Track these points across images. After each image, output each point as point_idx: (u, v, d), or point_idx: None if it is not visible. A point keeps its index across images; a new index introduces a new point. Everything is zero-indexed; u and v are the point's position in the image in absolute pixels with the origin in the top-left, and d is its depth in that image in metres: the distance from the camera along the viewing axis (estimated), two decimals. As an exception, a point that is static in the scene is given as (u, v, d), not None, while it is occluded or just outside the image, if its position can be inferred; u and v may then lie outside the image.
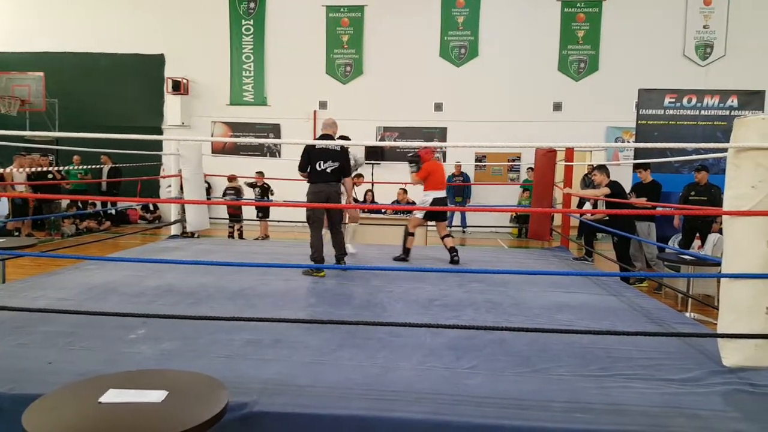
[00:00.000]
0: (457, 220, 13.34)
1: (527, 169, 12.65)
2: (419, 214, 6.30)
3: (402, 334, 3.49)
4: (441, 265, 6.11)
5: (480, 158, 13.86)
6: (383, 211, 8.88)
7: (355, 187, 6.83)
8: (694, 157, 7.30)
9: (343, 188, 5.78)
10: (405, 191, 10.46)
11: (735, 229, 2.91)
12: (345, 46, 14.05)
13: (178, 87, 14.19)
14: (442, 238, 6.32)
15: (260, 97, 14.38)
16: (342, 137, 6.72)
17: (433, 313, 4.11)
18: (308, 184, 5.49)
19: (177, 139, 7.73)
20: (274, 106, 14.31)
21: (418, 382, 2.76)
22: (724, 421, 2.42)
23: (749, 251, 2.85)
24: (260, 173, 10.59)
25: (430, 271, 5.79)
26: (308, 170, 5.44)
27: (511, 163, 13.80)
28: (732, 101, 8.84)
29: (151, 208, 14.30)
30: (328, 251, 5.58)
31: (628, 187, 7.96)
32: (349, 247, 6.49)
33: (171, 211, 8.51)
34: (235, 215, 10.58)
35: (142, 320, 3.52)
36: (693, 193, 7.46)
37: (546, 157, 7.73)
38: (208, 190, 12.26)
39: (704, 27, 13.06)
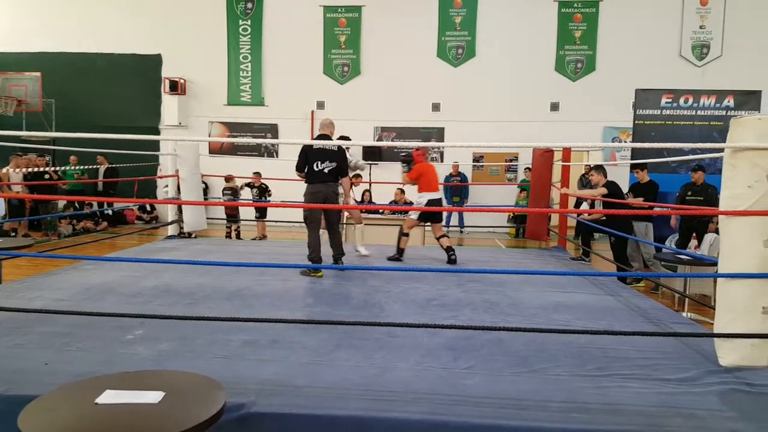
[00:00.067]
0: (454, 220, 13.35)
1: (525, 169, 12.67)
2: (414, 215, 6.32)
3: (399, 334, 3.49)
4: (438, 265, 6.11)
5: (477, 158, 13.87)
6: (381, 211, 8.88)
7: (353, 187, 6.83)
8: (690, 157, 7.32)
9: (341, 188, 5.78)
10: (402, 191, 10.47)
11: (731, 229, 2.92)
12: (342, 47, 14.04)
13: (175, 87, 14.17)
14: (438, 238, 6.33)
15: (257, 98, 14.37)
16: (342, 137, 6.73)
17: (431, 313, 4.11)
18: (306, 185, 5.49)
19: (174, 139, 7.71)
20: (271, 107, 14.30)
21: (416, 383, 2.76)
22: (721, 421, 2.43)
23: (746, 251, 2.86)
24: (257, 173, 10.58)
25: (427, 270, 5.79)
26: (306, 170, 5.44)
27: (508, 164, 13.81)
28: (728, 101, 8.86)
29: (148, 208, 14.27)
30: (326, 251, 5.57)
31: (625, 187, 7.98)
32: (362, 250, 6.48)
33: (168, 212, 8.50)
34: (232, 215, 10.57)
35: (140, 321, 3.51)
36: (690, 193, 7.47)
37: (543, 157, 7.74)
38: (206, 190, 12.25)
39: (701, 27, 13.09)
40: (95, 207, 12.39)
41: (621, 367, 3.03)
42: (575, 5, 13.44)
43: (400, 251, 6.28)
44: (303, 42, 13.98)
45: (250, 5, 14.21)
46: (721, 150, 3.02)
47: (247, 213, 11.81)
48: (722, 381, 2.84)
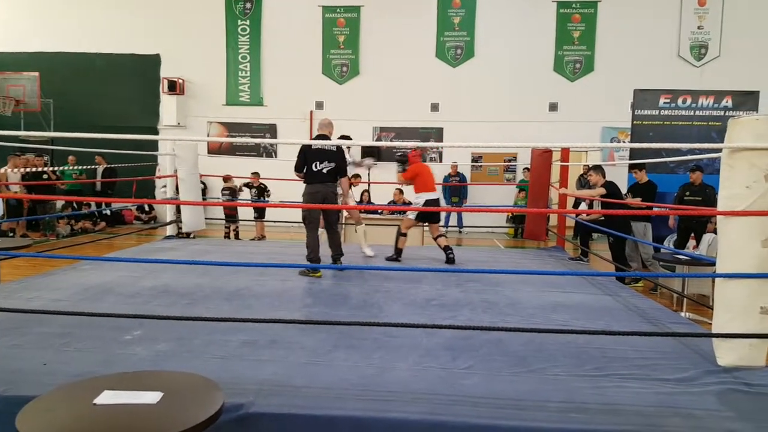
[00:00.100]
0: (453, 220, 13.36)
1: (523, 169, 12.68)
2: (412, 215, 6.32)
3: (398, 334, 3.49)
4: (437, 265, 6.11)
5: (476, 158, 13.88)
6: (380, 211, 8.88)
7: (352, 187, 6.83)
8: (689, 157, 7.32)
9: (339, 189, 5.78)
10: (401, 191, 10.47)
11: (729, 229, 2.92)
12: (341, 47, 14.04)
13: (173, 87, 14.17)
14: (435, 238, 6.34)
15: (256, 98, 14.37)
16: (343, 137, 6.72)
17: (430, 314, 4.11)
18: (304, 185, 5.48)
19: (173, 139, 7.70)
20: (270, 107, 14.29)
21: (415, 383, 2.76)
22: (719, 421, 2.43)
23: (744, 251, 2.86)
24: (256, 174, 10.57)
25: (426, 271, 5.79)
26: (304, 171, 5.43)
27: (507, 164, 13.82)
28: (726, 102, 8.88)
29: (147, 208, 14.26)
30: (325, 251, 5.57)
31: (623, 187, 7.98)
32: (367, 251, 6.47)
33: (166, 212, 8.49)
34: (231, 216, 10.57)
35: (138, 321, 3.51)
36: (688, 193, 7.48)
37: (542, 157, 7.74)
38: (204, 190, 12.25)
39: (699, 28, 13.10)
40: (93, 207, 12.37)
41: (619, 367, 3.03)
42: (574, 6, 13.46)
43: (399, 251, 6.28)
44: (302, 42, 13.98)
45: (248, 5, 14.21)
46: (719, 150, 3.03)
47: (245, 213, 11.81)
48: (720, 381, 2.84)
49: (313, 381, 2.75)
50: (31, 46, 14.43)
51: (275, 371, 2.86)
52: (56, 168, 12.26)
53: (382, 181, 10.01)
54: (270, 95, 14.32)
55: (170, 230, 8.16)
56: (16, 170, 9.23)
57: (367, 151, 13.23)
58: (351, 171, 6.95)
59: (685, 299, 5.97)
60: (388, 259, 6.28)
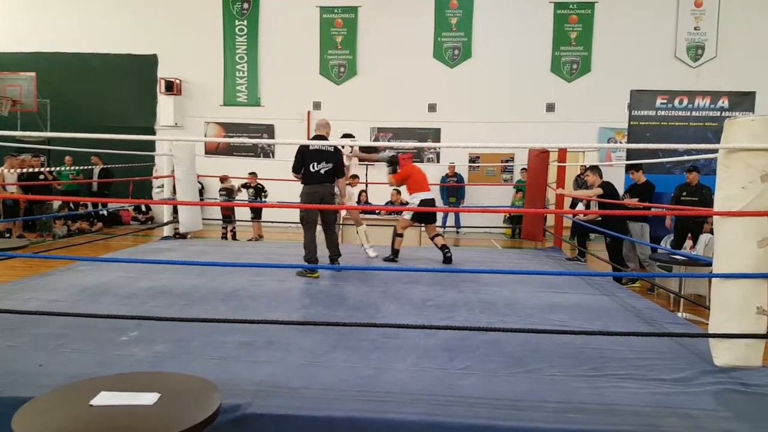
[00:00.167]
0: (450, 220, 13.37)
1: (521, 169, 12.69)
2: (407, 216, 6.32)
3: (396, 335, 3.49)
4: (434, 265, 6.12)
5: (473, 159, 13.88)
6: (377, 211, 8.88)
7: (351, 187, 6.84)
8: (685, 158, 7.35)
9: (337, 189, 5.78)
10: (398, 192, 10.47)
11: (726, 230, 2.93)
12: (339, 47, 14.04)
13: (171, 87, 14.14)
14: (432, 238, 6.35)
15: (254, 98, 14.35)
16: (346, 135, 6.72)
17: (427, 314, 4.11)
18: (302, 185, 5.48)
19: (170, 139, 7.70)
20: (267, 107, 14.28)
21: (412, 383, 2.76)
22: (716, 421, 2.44)
23: (740, 251, 2.87)
24: (253, 174, 10.56)
25: (423, 271, 5.79)
26: (302, 171, 5.43)
27: (504, 164, 13.83)
28: (723, 102, 8.90)
29: (144, 209, 14.23)
30: (322, 252, 5.57)
31: (620, 188, 8.00)
32: (370, 252, 6.47)
33: (164, 212, 8.47)
34: (227, 216, 10.55)
35: (135, 322, 3.51)
36: (684, 193, 7.50)
37: (539, 157, 7.75)
38: (201, 190, 12.24)
39: (695, 29, 13.14)
40: (90, 208, 12.34)
41: (616, 367, 3.04)
42: (571, 6, 13.48)
43: (395, 252, 6.29)
44: (299, 42, 13.97)
45: (246, 6, 14.19)
46: (716, 151, 3.03)
47: (242, 213, 11.78)
48: (717, 381, 2.85)
49: (310, 382, 2.75)
50: (28, 46, 14.40)
51: (273, 372, 2.85)
52: (53, 168, 12.22)
53: (380, 182, 10.01)
54: (267, 96, 14.31)
55: (167, 231, 8.15)
56: (12, 170, 9.20)
57: (365, 152, 13.20)
58: (352, 169, 6.90)
59: (681, 299, 5.98)
60: (386, 259, 6.28)
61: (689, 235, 7.35)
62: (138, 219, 14.07)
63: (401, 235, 6.31)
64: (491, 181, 13.86)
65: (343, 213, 7.53)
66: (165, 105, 14.33)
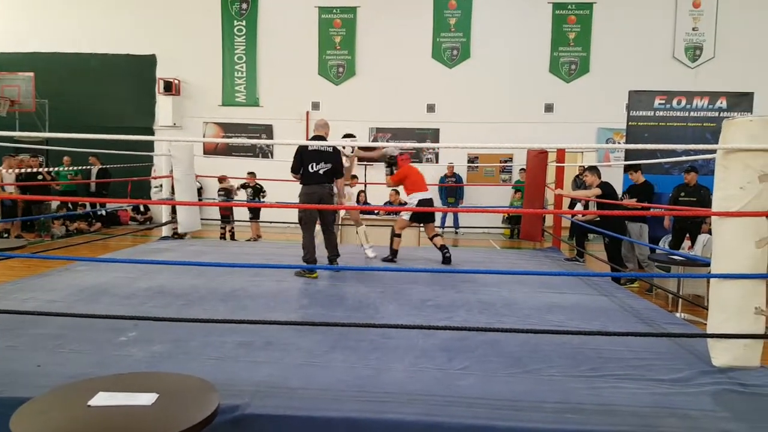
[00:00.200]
0: (449, 221, 13.37)
1: (519, 170, 12.69)
2: (405, 216, 6.32)
3: (394, 335, 3.49)
4: (433, 265, 6.12)
5: (472, 159, 13.89)
6: (376, 212, 8.88)
7: (350, 187, 6.84)
8: (683, 158, 7.35)
9: (335, 189, 5.78)
10: (397, 192, 10.47)
11: (724, 230, 2.93)
12: (337, 47, 14.04)
13: (169, 87, 14.13)
14: (431, 238, 6.35)
15: (252, 98, 14.35)
16: (347, 136, 6.73)
17: (426, 314, 4.11)
18: (301, 186, 5.48)
19: (168, 139, 7.68)
20: (266, 107, 14.28)
21: (411, 384, 2.76)
22: (714, 421, 2.44)
23: (738, 252, 2.87)
24: (252, 174, 10.56)
25: (422, 271, 5.79)
26: (301, 172, 5.43)
27: (503, 164, 13.83)
28: (721, 103, 8.91)
29: (142, 209, 14.22)
30: (321, 252, 5.57)
31: (618, 188, 8.00)
32: (369, 252, 6.47)
33: (162, 213, 8.47)
34: (226, 216, 10.55)
35: (133, 322, 3.50)
36: (683, 194, 7.51)
37: (537, 158, 7.76)
38: (200, 191, 12.23)
39: (693, 29, 13.15)
40: (88, 208, 12.33)
41: (615, 367, 3.04)
42: (569, 7, 13.49)
43: (394, 252, 6.29)
44: (298, 43, 13.97)
45: (245, 6, 14.19)
46: (714, 151, 3.04)
47: (241, 213, 11.78)
48: (715, 381, 2.85)
49: (309, 382, 2.75)
50: (27, 46, 14.38)
51: (271, 372, 2.85)
52: (51, 168, 12.21)
53: (378, 182, 10.01)
54: (266, 96, 14.31)
55: (166, 231, 8.15)
56: (10, 171, 9.19)
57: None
58: (352, 170, 6.90)
59: (680, 300, 5.98)
60: (384, 260, 6.28)
61: (687, 235, 7.36)
62: (136, 219, 14.06)
63: (399, 236, 6.31)
64: (490, 181, 13.87)
65: (342, 213, 7.53)
66: (163, 105, 14.32)
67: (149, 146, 10.88)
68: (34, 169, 10.04)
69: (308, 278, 5.22)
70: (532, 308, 4.33)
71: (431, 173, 12.07)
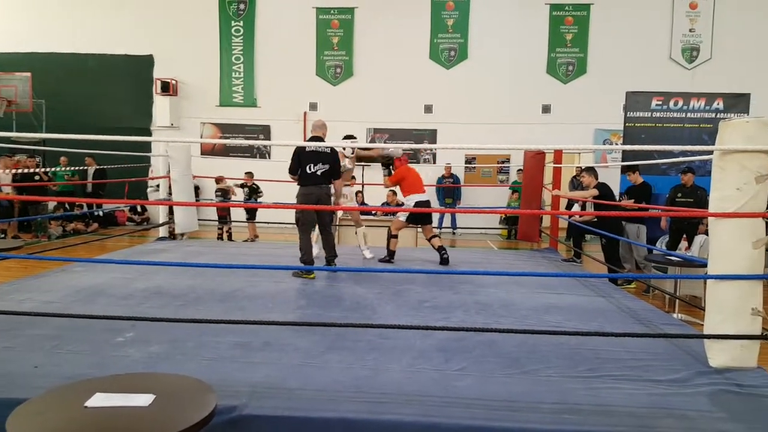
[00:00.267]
0: (447, 221, 13.37)
1: (517, 170, 12.71)
2: (402, 217, 6.32)
3: (392, 336, 3.49)
4: (431, 266, 6.12)
5: (470, 160, 13.91)
6: (374, 212, 8.89)
7: (350, 187, 6.84)
8: (680, 159, 7.36)
9: (333, 190, 5.78)
10: (394, 193, 10.47)
11: (720, 231, 2.94)
12: (335, 48, 14.04)
13: (167, 88, 14.12)
14: (429, 239, 6.35)
15: (250, 99, 14.34)
16: (348, 136, 6.73)
17: (423, 315, 4.11)
18: (298, 187, 5.48)
19: (166, 140, 7.68)
20: (264, 108, 14.27)
21: (408, 384, 2.76)
22: (711, 422, 2.44)
23: (735, 253, 2.88)
24: (249, 174, 10.56)
25: (420, 272, 5.79)
26: (298, 173, 5.43)
27: (500, 165, 13.85)
28: (718, 104, 8.92)
29: (139, 209, 14.20)
30: (319, 253, 5.57)
31: (615, 189, 8.01)
32: (366, 253, 6.48)
33: (159, 213, 8.46)
34: (223, 217, 10.54)
35: (130, 323, 3.50)
36: (679, 194, 7.52)
37: (535, 159, 7.76)
38: (197, 191, 12.20)
39: (690, 30, 13.19)
40: (85, 208, 12.30)
41: (612, 368, 3.05)
42: (566, 8, 13.51)
43: (391, 253, 6.28)
44: (296, 43, 13.96)
45: (242, 6, 14.18)
46: (711, 152, 3.04)
47: (238, 214, 11.78)
48: (712, 382, 2.86)
49: (306, 383, 2.74)
50: (24, 46, 14.34)
51: (268, 373, 2.85)
52: (48, 169, 12.18)
53: (376, 183, 10.01)
54: (264, 96, 14.30)
55: (163, 231, 8.14)
56: (7, 171, 9.17)
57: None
58: (350, 170, 6.90)
59: (677, 300, 6.00)
60: (381, 260, 6.28)
61: (684, 236, 7.37)
62: (134, 220, 14.03)
63: (396, 236, 6.31)
64: (487, 182, 13.89)
65: (340, 214, 7.53)
66: (161, 106, 14.30)
67: (146, 147, 10.86)
68: (31, 170, 10.02)
69: (306, 279, 5.22)
70: (529, 309, 4.33)
71: (429, 174, 12.08)
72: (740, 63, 12.74)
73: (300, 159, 5.38)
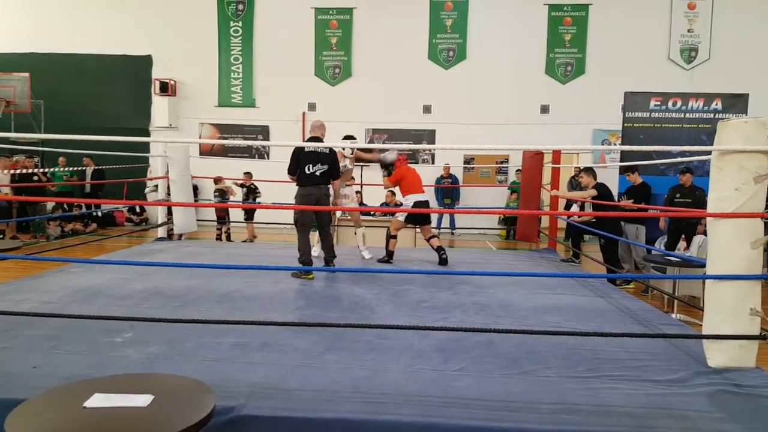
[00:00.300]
0: (446, 222, 13.38)
1: (515, 171, 12.72)
2: (401, 217, 6.32)
3: (390, 336, 3.49)
4: (429, 266, 6.12)
5: (468, 160, 13.91)
6: (372, 213, 8.89)
7: (348, 188, 6.85)
8: (679, 159, 7.37)
9: (331, 190, 5.78)
10: (393, 193, 10.47)
11: (719, 231, 2.94)
12: (334, 48, 14.04)
13: (165, 88, 14.10)
14: (428, 239, 6.35)
15: (249, 99, 14.33)
16: (348, 137, 6.73)
17: (422, 315, 4.11)
18: (297, 187, 5.47)
19: (164, 140, 7.68)
20: (262, 108, 14.26)
21: (407, 385, 2.76)
22: (710, 422, 2.44)
23: (733, 253, 2.88)
24: (248, 174, 10.55)
25: (418, 272, 5.79)
26: (297, 173, 5.43)
27: (499, 165, 13.86)
28: (716, 104, 8.94)
29: (138, 210, 14.19)
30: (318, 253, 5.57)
31: (614, 189, 8.02)
32: (365, 254, 6.48)
33: (158, 214, 8.45)
34: (222, 217, 10.53)
35: (129, 323, 3.49)
36: (678, 195, 7.53)
37: (533, 159, 7.77)
38: (196, 191, 12.19)
39: (689, 31, 13.20)
40: (84, 209, 12.29)
41: (611, 368, 3.05)
42: (565, 9, 13.52)
43: (390, 253, 6.28)
44: (294, 43, 13.96)
45: (241, 7, 14.18)
46: (709, 153, 3.05)
47: (236, 214, 11.77)
48: (711, 382, 2.86)
49: (305, 383, 2.74)
50: (22, 46, 14.32)
51: (267, 374, 2.85)
52: (46, 169, 12.16)
53: (375, 183, 10.01)
54: (262, 97, 14.29)
55: (161, 232, 8.13)
56: (5, 172, 9.16)
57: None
58: (350, 170, 6.89)
59: (675, 301, 6.00)
60: (380, 261, 6.28)
61: (683, 236, 7.38)
62: (132, 220, 14.02)
63: (395, 237, 6.31)
64: (486, 182, 13.89)
65: (339, 214, 7.53)
66: (159, 106, 14.29)
67: (145, 147, 10.86)
68: (29, 170, 10.01)
69: (304, 279, 5.22)
70: (528, 309, 4.33)
71: (427, 174, 12.06)
72: (738, 63, 12.75)
73: (299, 159, 5.38)
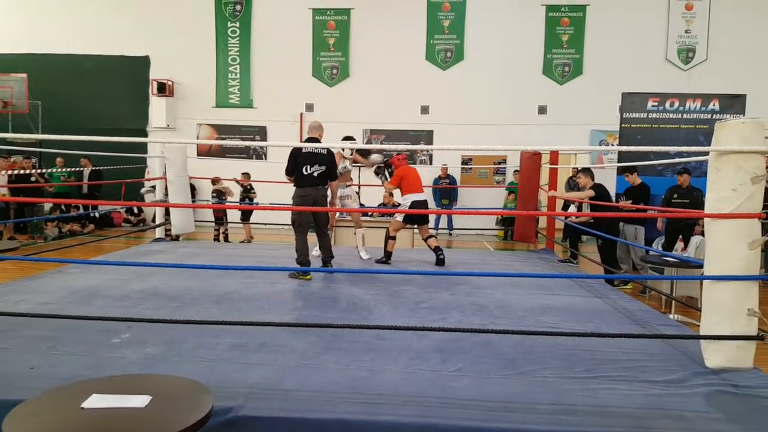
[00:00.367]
0: (443, 222, 13.38)
1: (513, 171, 12.73)
2: (399, 218, 6.32)
3: (388, 337, 3.49)
4: (427, 267, 6.12)
5: (466, 161, 13.92)
6: (370, 213, 8.88)
7: (350, 188, 6.85)
8: (676, 160, 7.38)
9: (329, 191, 5.77)
10: (391, 194, 10.46)
11: (716, 232, 2.95)
12: (331, 49, 14.03)
13: (163, 89, 14.08)
14: (425, 239, 6.35)
15: (246, 100, 14.32)
16: (347, 138, 6.73)
17: (420, 316, 4.12)
18: (295, 188, 5.47)
19: (162, 141, 7.68)
20: (260, 109, 14.25)
21: (405, 385, 2.76)
22: (707, 422, 2.45)
23: (731, 253, 2.89)
24: (246, 174, 10.54)
25: (416, 273, 5.79)
26: (295, 174, 5.42)
27: (497, 166, 13.87)
28: (714, 105, 8.95)
29: (136, 211, 14.16)
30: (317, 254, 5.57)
31: (612, 190, 8.02)
32: (363, 254, 6.48)
33: (156, 214, 8.44)
34: (219, 218, 10.53)
35: (127, 324, 3.49)
36: (675, 195, 7.53)
37: (531, 160, 7.78)
38: (194, 192, 12.18)
39: (686, 32, 13.23)
40: (81, 210, 12.27)
41: (608, 369, 3.05)
42: (562, 9, 13.54)
43: (388, 254, 6.28)
44: (292, 44, 13.95)
45: (238, 7, 14.17)
46: (707, 153, 3.05)
47: (233, 215, 11.77)
48: (708, 383, 2.87)
49: (302, 384, 2.74)
50: (20, 47, 14.29)
51: (265, 374, 2.85)
52: (44, 170, 12.14)
53: (373, 184, 10.01)
54: (260, 97, 14.28)
55: (159, 233, 8.12)
56: (3, 172, 9.14)
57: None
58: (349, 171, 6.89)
59: (673, 301, 6.01)
60: (378, 261, 6.28)
61: (680, 237, 7.39)
62: (130, 221, 13.99)
63: (394, 238, 6.31)
64: (484, 183, 13.89)
65: (337, 215, 7.53)
66: (157, 107, 14.26)
67: (143, 148, 10.85)
68: (27, 171, 9.99)
69: (302, 280, 5.22)
70: (525, 310, 4.34)
71: (425, 175, 12.02)
72: (736, 64, 12.78)
73: (296, 160, 5.37)
